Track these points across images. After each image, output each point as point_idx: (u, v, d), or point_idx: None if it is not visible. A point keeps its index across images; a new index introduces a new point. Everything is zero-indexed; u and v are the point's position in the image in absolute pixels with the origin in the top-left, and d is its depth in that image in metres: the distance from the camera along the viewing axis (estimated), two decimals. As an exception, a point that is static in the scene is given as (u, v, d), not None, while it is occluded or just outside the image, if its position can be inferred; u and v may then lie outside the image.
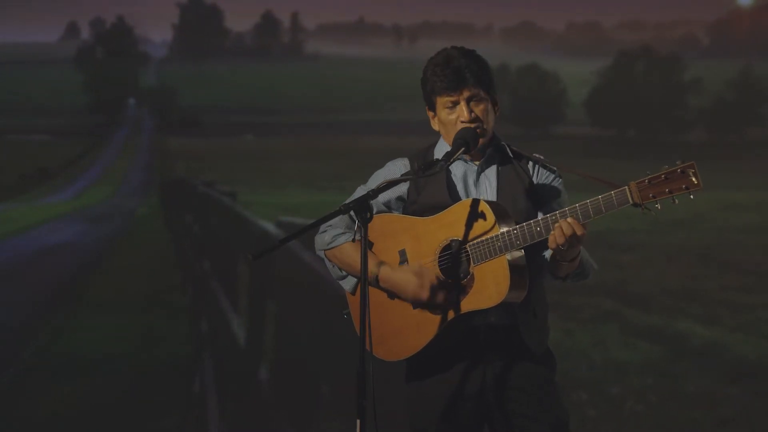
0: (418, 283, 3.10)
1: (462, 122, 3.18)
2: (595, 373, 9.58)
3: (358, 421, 2.90)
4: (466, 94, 3.18)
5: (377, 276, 3.17)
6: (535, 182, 3.25)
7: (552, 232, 2.99)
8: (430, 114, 3.29)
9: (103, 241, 22.16)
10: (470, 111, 3.18)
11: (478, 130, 3.19)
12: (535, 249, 3.16)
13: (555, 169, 3.28)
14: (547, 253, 3.16)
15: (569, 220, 2.97)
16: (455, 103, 3.20)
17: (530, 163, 3.27)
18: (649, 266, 15.39)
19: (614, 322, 11.61)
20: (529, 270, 3.12)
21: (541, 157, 3.28)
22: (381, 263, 3.18)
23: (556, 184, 3.27)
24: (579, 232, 2.97)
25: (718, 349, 10.45)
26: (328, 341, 6.38)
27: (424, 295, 3.09)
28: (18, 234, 21.86)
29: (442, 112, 3.23)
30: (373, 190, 3.02)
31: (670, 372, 9.59)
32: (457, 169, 3.25)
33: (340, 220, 3.26)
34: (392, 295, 3.19)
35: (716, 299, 12.82)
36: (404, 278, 3.13)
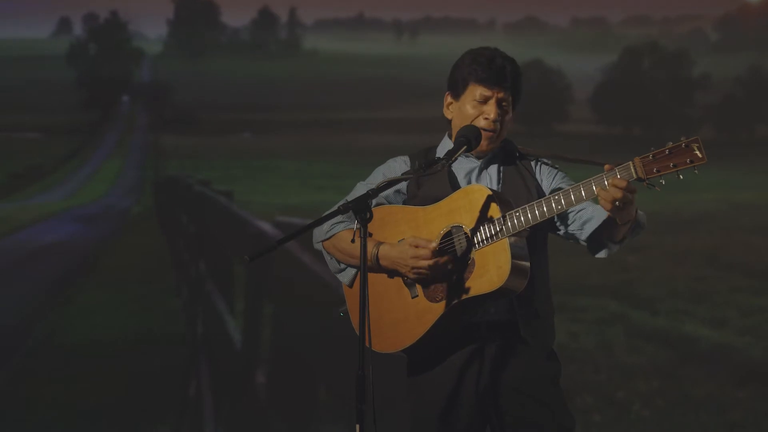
0: (414, 252, 3.10)
1: (485, 119, 3.18)
2: (600, 377, 9.58)
3: (357, 426, 2.90)
4: (500, 94, 3.21)
5: (377, 255, 3.16)
6: (538, 180, 3.26)
7: (603, 198, 2.95)
8: (449, 100, 3.28)
9: (95, 241, 22.15)
10: (498, 112, 3.19)
11: (492, 134, 3.20)
12: (537, 247, 3.16)
13: (558, 167, 3.30)
14: (593, 223, 3.15)
15: (611, 181, 2.93)
16: (487, 99, 3.21)
17: (533, 162, 3.29)
18: (655, 267, 15.39)
19: (620, 324, 11.60)
20: (532, 268, 3.12)
21: (540, 156, 3.30)
22: (379, 243, 3.18)
23: (562, 183, 3.27)
24: (622, 185, 2.92)
25: (726, 352, 10.45)
26: (326, 343, 6.38)
27: (422, 262, 3.08)
28: (8, 234, 21.85)
29: (469, 104, 3.22)
30: (372, 190, 3.03)
31: (677, 375, 9.58)
32: (460, 165, 3.26)
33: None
34: (392, 273, 3.18)
35: (724, 301, 12.82)
36: (401, 249, 3.13)
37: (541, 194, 3.23)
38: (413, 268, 3.11)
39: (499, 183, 3.25)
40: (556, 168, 3.30)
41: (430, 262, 3.08)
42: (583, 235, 3.21)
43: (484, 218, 3.08)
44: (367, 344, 2.96)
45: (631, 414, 8.48)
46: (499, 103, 3.21)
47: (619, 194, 2.92)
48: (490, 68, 3.20)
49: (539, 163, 3.30)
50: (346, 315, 3.31)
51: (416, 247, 3.10)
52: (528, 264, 3.08)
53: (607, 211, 2.98)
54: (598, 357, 10.28)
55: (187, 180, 19.23)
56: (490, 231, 3.06)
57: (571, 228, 3.22)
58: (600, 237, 3.17)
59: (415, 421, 3.26)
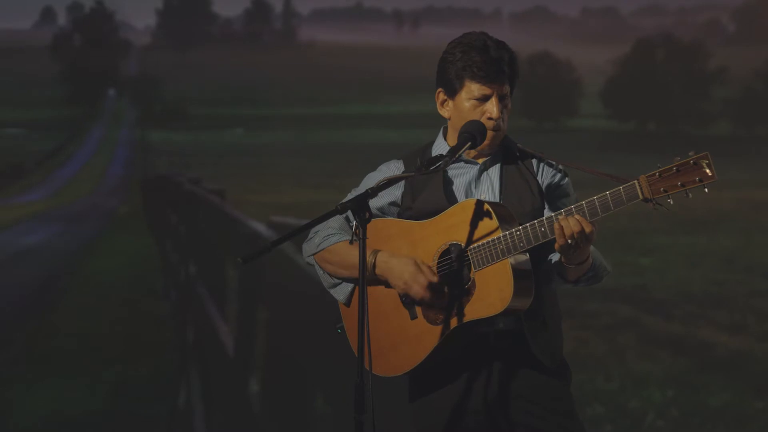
0: (414, 271, 3.08)
1: (489, 119, 3.13)
2: (611, 385, 9.59)
3: (355, 437, 2.90)
4: (501, 89, 3.13)
5: (374, 262, 3.14)
6: (539, 181, 3.23)
7: (557, 231, 2.96)
8: (442, 97, 3.22)
9: (80, 242, 22.17)
10: (500, 108, 3.14)
11: (497, 132, 3.16)
12: (542, 253, 3.15)
13: (561, 167, 3.26)
14: (555, 256, 3.15)
15: (576, 217, 2.94)
16: (487, 97, 3.14)
17: (534, 161, 3.26)
18: (670, 270, 15.41)
19: (632, 330, 11.62)
20: (537, 276, 3.11)
21: (543, 155, 3.28)
22: (376, 250, 3.16)
23: (562, 183, 3.25)
24: (587, 230, 2.94)
25: (744, 359, 10.47)
26: (323, 351, 6.38)
27: (421, 279, 3.07)
28: (-11, 235, 21.88)
29: (467, 102, 3.15)
30: (372, 189, 3.00)
31: (693, 384, 9.60)
32: (456, 171, 3.23)
33: (332, 222, 3.25)
34: (385, 284, 3.16)
35: (742, 306, 12.84)
36: (401, 264, 3.10)
37: (540, 196, 3.21)
38: (408, 287, 3.10)
39: (500, 186, 3.22)
40: (559, 169, 3.27)
41: (429, 289, 3.08)
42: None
43: (483, 236, 3.05)
44: (366, 362, 2.95)
45: (644, 424, 8.49)
46: (501, 99, 3.15)
47: (577, 228, 2.92)
48: (485, 62, 3.11)
49: (541, 162, 3.27)
50: (342, 332, 3.30)
51: (417, 266, 3.10)
52: (531, 282, 3.07)
53: (558, 244, 2.97)
54: (609, 364, 10.29)
55: (177, 178, 19.24)
56: (490, 251, 3.05)
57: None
58: (554, 267, 3.15)
59: (419, 432, 3.25)
